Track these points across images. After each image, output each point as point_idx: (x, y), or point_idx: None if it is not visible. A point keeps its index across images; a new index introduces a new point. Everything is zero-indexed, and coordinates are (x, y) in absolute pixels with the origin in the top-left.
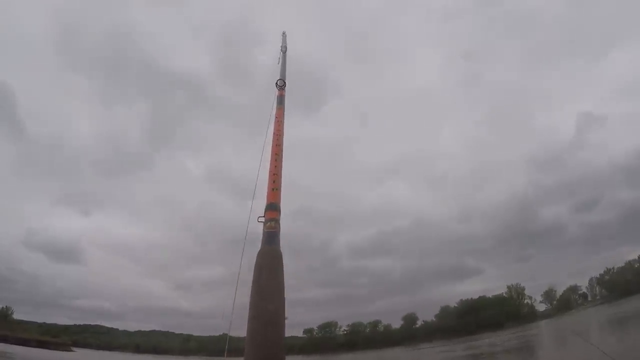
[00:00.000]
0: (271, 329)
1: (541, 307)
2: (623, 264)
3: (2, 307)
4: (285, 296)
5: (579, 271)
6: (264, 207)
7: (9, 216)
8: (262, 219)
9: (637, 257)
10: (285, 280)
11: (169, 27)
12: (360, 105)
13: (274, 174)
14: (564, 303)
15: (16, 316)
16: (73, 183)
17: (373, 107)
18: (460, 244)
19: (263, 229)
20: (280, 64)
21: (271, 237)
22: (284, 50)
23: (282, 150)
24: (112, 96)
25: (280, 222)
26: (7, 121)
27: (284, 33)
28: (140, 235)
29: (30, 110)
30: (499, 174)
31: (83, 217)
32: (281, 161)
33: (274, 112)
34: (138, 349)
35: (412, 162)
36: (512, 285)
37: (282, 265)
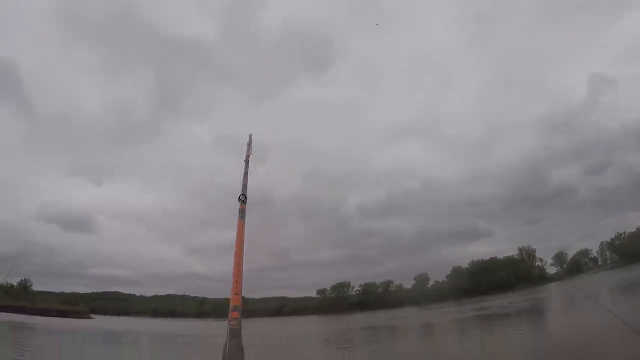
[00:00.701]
0: None
1: (552, 270)
2: (634, 230)
3: (21, 280)
4: None
5: (589, 235)
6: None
7: (23, 191)
8: (228, 319)
9: None
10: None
11: None
12: (369, 66)
13: (236, 281)
14: (575, 266)
15: (35, 287)
16: (83, 154)
17: (382, 68)
18: (470, 205)
19: (228, 326)
20: (242, 175)
21: (235, 332)
22: (247, 160)
23: (242, 260)
24: (117, 66)
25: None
26: (14, 98)
27: (249, 136)
28: (153, 202)
29: (36, 85)
30: (509, 136)
31: (95, 187)
32: (242, 269)
33: (236, 223)
34: (155, 313)
35: (421, 123)
36: (523, 247)
37: (243, 356)
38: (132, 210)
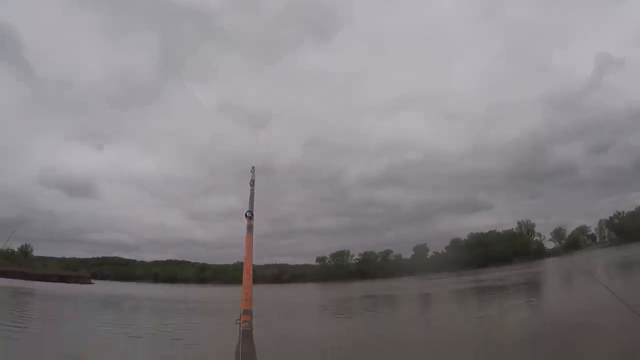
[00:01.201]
0: None
1: (550, 245)
2: (634, 209)
3: (22, 245)
4: None
5: (588, 213)
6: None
7: (23, 155)
8: (239, 322)
9: None
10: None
11: None
12: (373, 37)
13: (246, 288)
14: (573, 242)
15: (36, 253)
16: (85, 118)
17: (386, 39)
18: (472, 178)
19: (239, 328)
20: (249, 197)
21: (247, 334)
22: (252, 184)
23: (252, 269)
24: (120, 29)
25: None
26: (15, 61)
27: (253, 168)
28: (154, 168)
29: (37, 48)
30: (513, 112)
31: (97, 152)
32: (252, 277)
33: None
34: (156, 279)
35: (425, 95)
36: (522, 222)
37: (255, 357)
38: (133, 176)
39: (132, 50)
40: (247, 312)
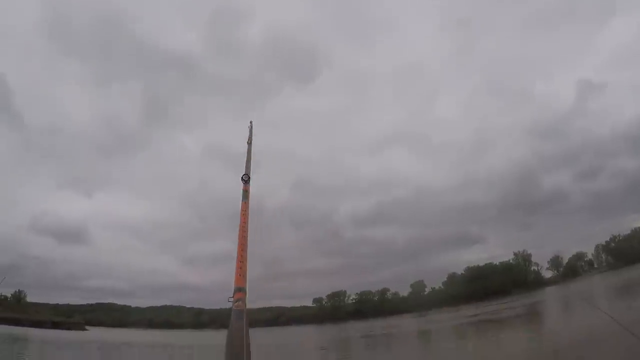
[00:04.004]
0: None
1: (548, 274)
2: (629, 232)
3: (15, 291)
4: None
5: (584, 238)
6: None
7: (14, 202)
8: (232, 300)
9: None
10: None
11: (157, 7)
12: (355, 76)
13: (240, 262)
14: (571, 270)
15: (30, 299)
16: (74, 166)
17: (368, 77)
18: (462, 212)
19: (232, 308)
20: (245, 157)
21: (239, 314)
22: (249, 142)
23: (247, 241)
24: (105, 78)
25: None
26: (4, 110)
27: (250, 123)
28: (144, 213)
29: (26, 98)
30: (499, 143)
31: (87, 198)
32: (246, 251)
33: (240, 205)
34: (151, 324)
35: (410, 132)
36: (519, 252)
37: (249, 337)
38: (123, 222)
39: (118, 98)
40: (241, 290)
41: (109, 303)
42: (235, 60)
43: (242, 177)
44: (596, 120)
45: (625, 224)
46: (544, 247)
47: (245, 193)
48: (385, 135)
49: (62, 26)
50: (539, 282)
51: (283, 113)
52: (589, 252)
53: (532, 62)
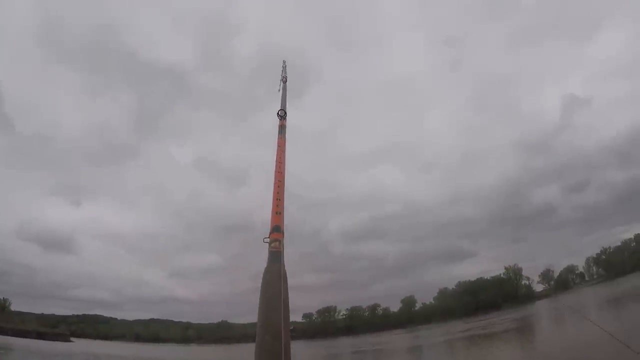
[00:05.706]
0: (277, 338)
1: (539, 288)
2: (619, 244)
3: None
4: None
5: (574, 251)
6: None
7: (2, 209)
8: (267, 240)
9: (632, 237)
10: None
11: (149, 19)
12: (344, 93)
13: (277, 199)
14: (562, 283)
15: (14, 307)
16: (64, 174)
17: (357, 95)
18: (453, 227)
19: (268, 249)
20: (280, 93)
21: (275, 256)
22: (284, 80)
23: (284, 177)
24: (97, 87)
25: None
26: None
27: (284, 62)
28: (133, 223)
29: (18, 104)
30: (487, 158)
31: (75, 207)
32: (284, 187)
33: (277, 140)
34: (138, 338)
35: (399, 147)
36: (510, 267)
37: (287, 281)
38: (112, 231)
39: (109, 108)
40: (277, 230)
41: (95, 315)
42: (226, 74)
43: (277, 113)
44: (583, 133)
45: (614, 236)
46: (535, 261)
47: (282, 128)
48: (375, 150)
49: (55, 34)
50: (530, 296)
51: (272, 128)
52: (580, 264)
53: (519, 77)
